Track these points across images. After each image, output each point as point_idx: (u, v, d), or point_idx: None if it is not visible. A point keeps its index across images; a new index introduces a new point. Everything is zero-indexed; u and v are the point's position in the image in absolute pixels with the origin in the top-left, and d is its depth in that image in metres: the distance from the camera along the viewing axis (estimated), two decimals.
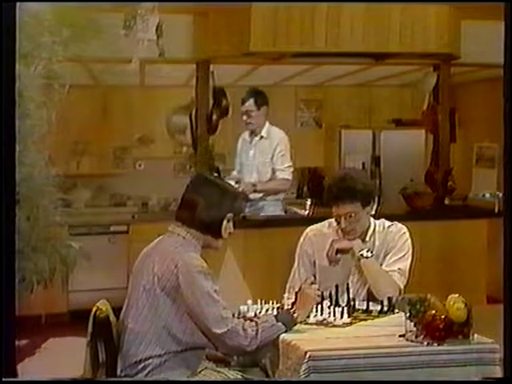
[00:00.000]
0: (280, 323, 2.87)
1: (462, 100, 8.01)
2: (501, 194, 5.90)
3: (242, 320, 2.90)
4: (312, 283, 3.10)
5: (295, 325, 2.92)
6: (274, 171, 5.69)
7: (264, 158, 5.72)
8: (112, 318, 2.87)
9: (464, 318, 2.77)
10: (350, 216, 3.40)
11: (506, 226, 2.70)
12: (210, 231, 2.93)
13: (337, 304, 3.18)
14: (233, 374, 2.91)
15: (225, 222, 2.94)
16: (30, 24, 3.94)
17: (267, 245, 5.41)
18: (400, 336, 2.84)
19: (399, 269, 3.44)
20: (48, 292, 4.42)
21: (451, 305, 2.78)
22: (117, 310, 2.93)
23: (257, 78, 7.54)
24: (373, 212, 3.51)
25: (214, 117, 6.61)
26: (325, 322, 3.02)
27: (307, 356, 2.65)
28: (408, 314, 2.82)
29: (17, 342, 2.93)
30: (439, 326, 2.75)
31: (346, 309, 3.11)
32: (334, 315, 3.05)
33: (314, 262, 3.59)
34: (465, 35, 6.40)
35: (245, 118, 5.67)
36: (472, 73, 7.51)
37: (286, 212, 6.04)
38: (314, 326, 2.98)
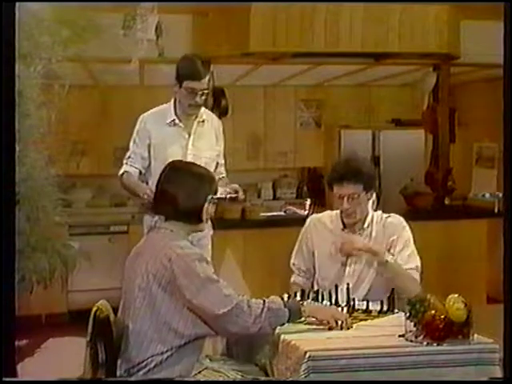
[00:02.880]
0: (286, 309, 2.84)
1: (461, 100, 8.01)
2: (501, 194, 5.90)
3: (247, 297, 2.87)
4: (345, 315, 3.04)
5: (300, 317, 2.91)
6: (216, 169, 4.15)
7: (211, 150, 4.11)
8: (112, 318, 2.87)
9: (464, 318, 2.77)
10: (353, 198, 3.44)
11: (506, 226, 2.70)
12: (191, 219, 2.93)
13: (336, 303, 3.19)
14: (232, 374, 2.90)
15: (205, 206, 2.94)
16: (30, 24, 3.95)
17: (267, 245, 5.42)
18: (400, 336, 2.84)
19: (416, 266, 3.47)
20: (48, 292, 4.43)
21: (451, 305, 2.78)
22: (117, 310, 2.93)
23: (256, 78, 7.54)
24: (372, 199, 3.57)
25: None
26: (324, 321, 3.02)
27: (307, 356, 2.65)
28: (408, 314, 2.82)
29: (17, 342, 2.93)
30: (439, 326, 2.75)
31: (345, 309, 3.11)
32: None
33: (313, 253, 3.63)
34: (464, 35, 6.41)
35: (201, 98, 3.98)
36: (472, 73, 7.51)
37: (285, 212, 6.00)
38: (314, 326, 2.98)
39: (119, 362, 2.84)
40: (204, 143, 4.07)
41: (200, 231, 3.10)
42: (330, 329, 2.92)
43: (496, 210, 6.45)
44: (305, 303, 3.01)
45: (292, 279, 3.69)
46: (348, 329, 2.95)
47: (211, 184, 2.98)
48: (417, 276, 3.46)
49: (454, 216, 6.53)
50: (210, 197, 2.95)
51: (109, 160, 7.98)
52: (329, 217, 3.67)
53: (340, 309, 3.09)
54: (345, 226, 3.57)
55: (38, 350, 5.59)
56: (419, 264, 3.49)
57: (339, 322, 2.94)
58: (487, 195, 7.03)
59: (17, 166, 3.03)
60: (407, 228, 3.57)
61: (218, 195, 3.39)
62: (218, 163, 4.15)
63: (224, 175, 4.21)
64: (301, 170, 8.71)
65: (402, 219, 3.60)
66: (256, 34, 5.79)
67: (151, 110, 4.15)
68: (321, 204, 7.42)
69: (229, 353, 3.18)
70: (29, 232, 4.00)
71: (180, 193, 2.89)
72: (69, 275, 4.64)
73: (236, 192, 3.86)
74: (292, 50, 6.00)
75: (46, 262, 4.12)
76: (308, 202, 6.19)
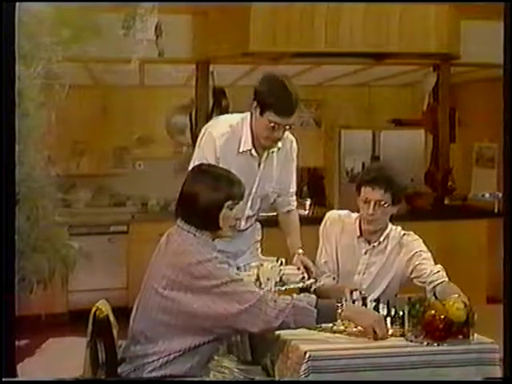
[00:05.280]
0: (315, 309, 2.71)
1: (461, 100, 8.01)
2: (501, 194, 5.91)
3: (274, 293, 2.81)
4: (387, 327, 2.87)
5: (334, 320, 2.79)
6: (277, 200, 3.58)
7: (275, 182, 3.50)
8: (112, 318, 2.86)
9: (464, 317, 2.77)
10: (379, 205, 3.36)
11: (506, 226, 2.70)
12: (207, 224, 2.79)
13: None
14: (234, 375, 2.90)
15: (223, 211, 2.78)
16: (30, 24, 3.94)
17: (267, 245, 5.40)
18: (400, 336, 2.84)
19: (441, 268, 3.43)
20: (48, 292, 4.42)
21: (451, 305, 2.78)
22: (117, 310, 2.93)
23: (257, 78, 7.47)
24: (395, 211, 3.46)
25: (214, 117, 6.62)
26: (362, 329, 2.85)
27: (307, 356, 2.64)
28: (408, 314, 2.82)
29: (17, 342, 2.93)
30: (439, 325, 2.75)
31: (388, 319, 2.95)
32: None
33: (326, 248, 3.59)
34: (465, 35, 6.42)
35: (283, 132, 3.29)
36: (472, 73, 7.51)
37: None
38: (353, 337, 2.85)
39: (129, 355, 2.81)
40: (271, 173, 3.45)
41: (228, 237, 2.95)
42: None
43: (496, 210, 6.46)
44: (345, 304, 2.80)
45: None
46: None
47: (230, 187, 2.80)
48: (444, 276, 3.38)
49: (453, 216, 6.53)
50: (229, 203, 2.79)
51: (109, 160, 8.00)
52: (348, 217, 3.57)
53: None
54: (361, 233, 3.49)
55: (38, 350, 5.59)
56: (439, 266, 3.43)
57: (378, 332, 2.78)
58: (487, 195, 7.04)
59: (17, 165, 3.02)
60: (424, 246, 3.49)
61: (290, 282, 3.15)
62: (283, 192, 3.56)
63: (292, 208, 3.62)
64: (301, 170, 8.71)
65: (418, 238, 3.51)
66: (256, 34, 5.80)
67: (223, 128, 3.37)
68: (321, 204, 7.45)
69: (229, 352, 3.18)
70: (29, 232, 3.99)
71: (195, 196, 2.77)
72: (69, 275, 4.64)
73: (309, 273, 3.31)
74: (292, 49, 6.00)
75: (45, 262, 4.11)
76: (308, 201, 6.19)
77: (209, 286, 2.68)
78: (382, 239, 3.48)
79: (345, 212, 3.64)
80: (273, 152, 3.41)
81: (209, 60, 6.53)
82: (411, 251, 3.45)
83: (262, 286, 3.14)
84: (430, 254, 3.48)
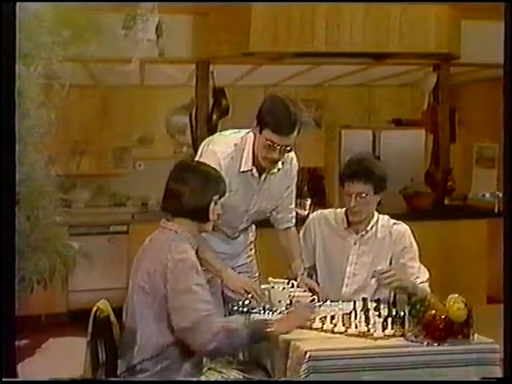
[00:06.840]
0: (245, 331, 2.77)
1: (461, 100, 8.01)
2: (501, 194, 5.91)
3: (213, 317, 2.81)
4: (314, 305, 3.03)
5: (265, 338, 2.84)
6: (276, 217, 3.62)
7: (274, 200, 3.55)
8: (112, 317, 2.87)
9: (464, 317, 2.77)
10: (361, 197, 3.43)
11: (506, 226, 2.70)
12: (198, 217, 2.92)
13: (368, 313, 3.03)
14: (234, 375, 2.90)
15: (212, 205, 2.92)
16: (30, 24, 3.94)
17: (267, 245, 5.41)
18: (400, 336, 2.84)
19: (427, 278, 3.52)
20: (48, 292, 4.42)
21: (451, 305, 2.78)
22: (117, 310, 2.93)
23: (257, 78, 7.55)
24: (379, 199, 3.53)
25: (214, 117, 6.64)
26: (365, 333, 2.89)
27: (307, 356, 2.65)
28: (408, 314, 2.82)
29: (17, 342, 2.92)
30: (439, 326, 2.75)
31: (389, 320, 2.93)
32: (374, 326, 2.91)
33: (314, 249, 3.62)
34: (465, 35, 6.42)
35: (281, 154, 3.30)
36: (472, 73, 7.52)
37: None
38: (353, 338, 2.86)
39: (125, 357, 2.83)
40: (269, 191, 3.47)
41: (206, 232, 3.05)
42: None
43: (496, 210, 6.46)
44: (274, 321, 2.91)
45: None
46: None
47: (218, 184, 2.97)
48: (428, 288, 3.45)
49: (454, 216, 6.54)
50: (216, 197, 2.93)
51: (109, 160, 8.01)
52: (333, 214, 3.65)
53: (382, 319, 2.92)
54: (349, 224, 3.56)
55: (38, 350, 5.59)
56: (428, 275, 3.51)
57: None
58: (487, 195, 7.04)
59: (17, 165, 3.02)
60: (413, 239, 3.56)
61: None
62: (282, 208, 3.59)
63: (291, 225, 3.65)
64: (301, 170, 8.69)
65: (408, 228, 3.58)
66: (256, 34, 5.80)
67: (228, 148, 3.36)
68: (321, 204, 7.44)
69: None
70: (29, 232, 3.99)
71: (186, 190, 2.88)
72: (69, 275, 4.63)
73: (315, 294, 3.36)
74: (292, 50, 6.01)
75: (46, 262, 4.11)
76: (308, 201, 6.19)
77: (171, 290, 2.74)
78: (369, 228, 3.54)
79: (329, 209, 3.74)
80: (273, 173, 3.42)
81: (209, 60, 6.53)
82: (402, 244, 3.53)
83: (274, 308, 3.21)
84: (417, 252, 3.54)
